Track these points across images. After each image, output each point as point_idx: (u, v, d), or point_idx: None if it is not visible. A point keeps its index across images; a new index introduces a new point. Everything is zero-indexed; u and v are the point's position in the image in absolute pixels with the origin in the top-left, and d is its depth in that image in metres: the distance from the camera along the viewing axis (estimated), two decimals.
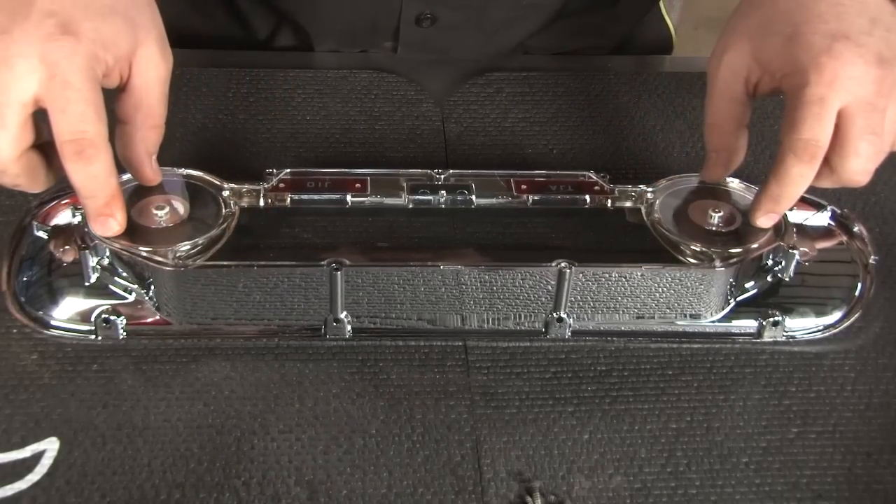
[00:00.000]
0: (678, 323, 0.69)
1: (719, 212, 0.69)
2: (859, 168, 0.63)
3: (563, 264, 0.65)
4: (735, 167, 0.69)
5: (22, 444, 0.61)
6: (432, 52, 0.93)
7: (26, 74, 0.57)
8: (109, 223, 0.63)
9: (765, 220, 0.67)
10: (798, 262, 0.68)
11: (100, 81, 0.60)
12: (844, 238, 0.73)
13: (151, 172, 0.66)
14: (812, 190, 0.78)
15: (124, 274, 0.67)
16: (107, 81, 0.61)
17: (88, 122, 0.58)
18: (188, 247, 0.65)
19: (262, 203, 0.69)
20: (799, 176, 0.63)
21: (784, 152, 0.62)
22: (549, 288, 0.66)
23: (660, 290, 0.67)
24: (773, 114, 0.86)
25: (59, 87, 0.58)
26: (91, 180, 0.60)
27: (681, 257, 0.68)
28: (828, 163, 0.63)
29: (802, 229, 0.72)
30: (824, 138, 0.62)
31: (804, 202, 0.74)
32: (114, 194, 0.62)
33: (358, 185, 0.70)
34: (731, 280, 0.67)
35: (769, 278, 0.70)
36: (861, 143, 0.62)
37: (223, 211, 0.68)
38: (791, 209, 0.67)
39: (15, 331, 0.67)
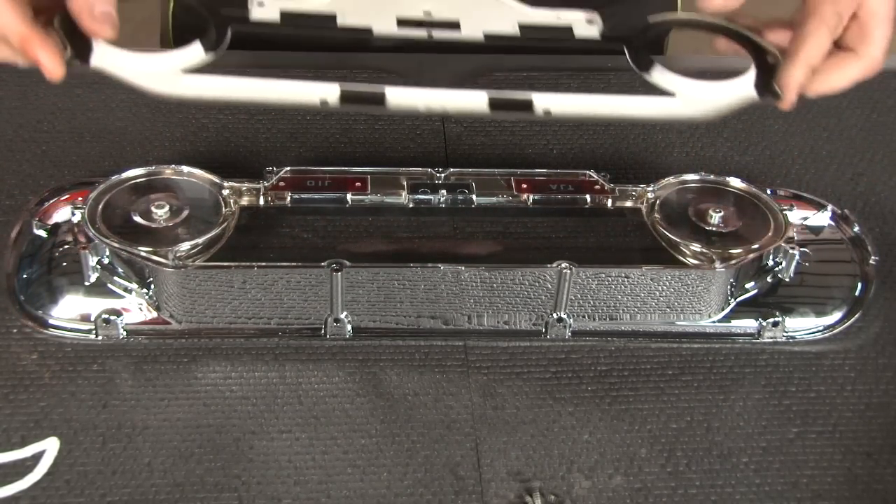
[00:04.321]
0: (678, 323, 0.69)
1: (719, 212, 0.69)
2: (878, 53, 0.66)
3: (563, 265, 0.65)
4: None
5: (22, 444, 0.61)
6: None
7: None
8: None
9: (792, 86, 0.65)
10: (798, 262, 0.68)
11: None
12: (844, 238, 0.73)
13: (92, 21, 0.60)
14: (812, 190, 0.78)
15: (124, 273, 0.67)
16: None
17: None
18: (188, 247, 0.65)
19: (262, 202, 0.69)
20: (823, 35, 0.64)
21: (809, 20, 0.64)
22: (549, 287, 0.66)
23: (660, 290, 0.67)
24: (773, 114, 0.86)
25: None
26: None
27: (681, 257, 0.68)
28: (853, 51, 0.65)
29: (802, 229, 0.72)
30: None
31: (804, 202, 0.74)
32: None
33: (358, 183, 0.70)
34: (731, 280, 0.67)
35: (769, 278, 0.70)
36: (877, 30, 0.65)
37: (223, 210, 0.68)
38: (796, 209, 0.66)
39: (15, 331, 0.67)
